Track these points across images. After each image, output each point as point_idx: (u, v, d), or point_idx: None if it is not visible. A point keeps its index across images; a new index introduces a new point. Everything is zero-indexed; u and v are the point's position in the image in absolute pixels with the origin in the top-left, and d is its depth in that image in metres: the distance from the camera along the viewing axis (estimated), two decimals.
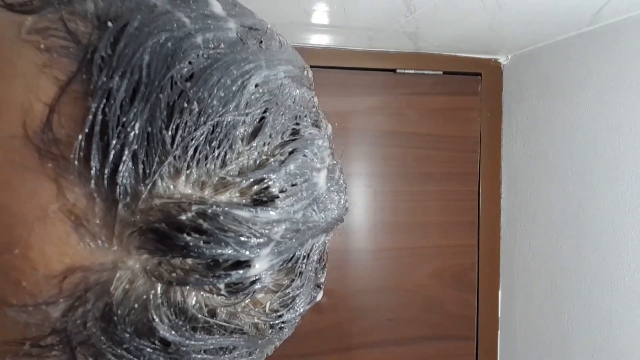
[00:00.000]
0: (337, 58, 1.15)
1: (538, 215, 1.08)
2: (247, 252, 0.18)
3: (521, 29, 0.97)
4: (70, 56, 0.17)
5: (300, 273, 0.22)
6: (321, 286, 0.25)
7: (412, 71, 1.17)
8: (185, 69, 0.18)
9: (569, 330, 0.99)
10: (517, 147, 1.16)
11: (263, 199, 0.19)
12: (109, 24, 0.18)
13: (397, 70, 1.17)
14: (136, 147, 0.17)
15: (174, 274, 0.18)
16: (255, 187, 0.19)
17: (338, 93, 1.16)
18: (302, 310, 0.23)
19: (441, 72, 1.19)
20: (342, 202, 0.24)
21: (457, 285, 1.20)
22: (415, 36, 1.03)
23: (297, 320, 0.24)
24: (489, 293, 1.21)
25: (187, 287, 0.18)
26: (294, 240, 0.20)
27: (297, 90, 0.22)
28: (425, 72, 1.18)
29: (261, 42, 0.21)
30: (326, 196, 0.22)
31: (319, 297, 0.25)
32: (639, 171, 0.84)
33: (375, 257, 1.17)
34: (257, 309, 0.21)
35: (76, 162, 0.16)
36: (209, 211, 0.17)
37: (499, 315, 1.21)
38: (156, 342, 0.18)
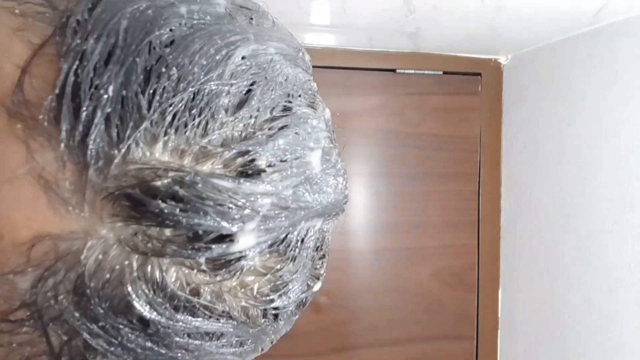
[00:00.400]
0: (337, 58, 1.15)
1: (538, 215, 1.08)
2: (229, 225, 0.17)
3: (521, 29, 0.97)
4: (46, 21, 0.17)
5: (294, 258, 0.21)
6: (320, 277, 0.24)
7: (412, 71, 1.17)
8: (165, 36, 0.17)
9: (569, 330, 0.99)
10: (517, 147, 1.16)
11: (248, 172, 0.18)
12: None
13: (397, 70, 1.17)
14: (109, 110, 0.16)
15: (149, 245, 0.17)
16: (240, 159, 0.18)
17: (338, 93, 1.16)
18: (295, 297, 0.22)
19: (441, 72, 1.19)
20: (340, 186, 0.23)
21: (457, 285, 1.20)
22: (415, 36, 1.03)
23: (293, 311, 0.23)
24: (489, 293, 1.21)
25: (165, 261, 0.17)
26: (283, 218, 0.19)
27: (291, 70, 0.21)
28: (425, 72, 1.18)
29: (252, 18, 0.21)
30: (321, 178, 0.21)
31: (317, 287, 0.23)
32: (639, 171, 0.84)
33: (375, 257, 1.17)
34: (245, 292, 0.20)
35: (45, 123, 0.16)
36: (187, 178, 0.16)
37: (499, 315, 1.21)
38: (134, 320, 0.17)
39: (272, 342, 0.23)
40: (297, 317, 0.24)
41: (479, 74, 1.21)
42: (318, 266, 0.23)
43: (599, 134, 0.92)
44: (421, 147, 1.19)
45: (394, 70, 1.17)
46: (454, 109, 1.21)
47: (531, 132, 1.11)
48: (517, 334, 1.15)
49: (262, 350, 0.22)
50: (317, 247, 0.23)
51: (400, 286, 1.18)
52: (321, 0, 0.85)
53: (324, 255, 0.24)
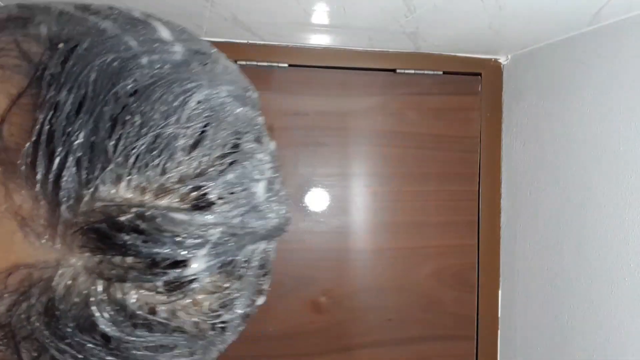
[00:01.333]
0: (337, 58, 1.15)
1: (538, 215, 1.08)
2: (184, 252, 0.20)
3: (521, 29, 0.97)
4: (22, 73, 0.19)
5: (240, 277, 0.23)
6: (263, 292, 0.26)
7: (412, 71, 1.17)
8: (130, 86, 0.20)
9: (569, 330, 0.99)
10: (517, 147, 1.16)
11: (201, 204, 0.20)
12: (60, 45, 0.19)
13: (397, 70, 1.17)
14: (80, 154, 0.18)
15: (113, 271, 0.19)
16: (194, 193, 0.20)
17: (338, 93, 1.16)
18: (241, 312, 0.24)
19: (441, 72, 1.19)
20: (282, 212, 0.25)
21: (457, 285, 1.20)
22: (415, 36, 1.04)
23: (239, 323, 0.25)
24: (489, 293, 1.21)
25: (127, 284, 0.19)
26: (231, 243, 0.22)
27: (240, 109, 0.23)
28: (425, 72, 1.18)
29: (206, 64, 0.23)
30: (266, 205, 0.24)
31: (260, 301, 0.26)
32: (639, 171, 0.84)
33: (375, 257, 1.17)
34: (196, 309, 0.22)
35: (23, 168, 0.18)
36: (147, 213, 0.19)
37: (499, 315, 1.21)
38: (97, 337, 0.19)
39: (219, 352, 0.25)
40: (242, 328, 0.26)
41: (479, 74, 1.21)
42: (262, 282, 0.26)
43: (599, 133, 0.93)
44: (421, 147, 1.19)
45: (394, 70, 1.17)
46: (454, 109, 1.21)
47: (531, 131, 1.11)
48: (517, 334, 1.15)
49: (212, 359, 0.25)
50: (261, 266, 0.25)
51: (400, 286, 1.18)
52: (321, 0, 0.85)
53: (267, 273, 0.26)
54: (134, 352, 0.20)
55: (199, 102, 0.21)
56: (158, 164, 0.20)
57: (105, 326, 0.19)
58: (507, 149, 1.20)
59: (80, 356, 0.19)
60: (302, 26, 0.99)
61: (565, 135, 1.01)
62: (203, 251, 0.20)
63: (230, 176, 0.21)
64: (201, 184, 0.20)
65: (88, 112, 0.18)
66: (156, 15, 0.25)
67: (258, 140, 0.25)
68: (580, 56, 0.97)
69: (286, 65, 1.13)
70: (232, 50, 1.10)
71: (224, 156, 0.22)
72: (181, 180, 0.20)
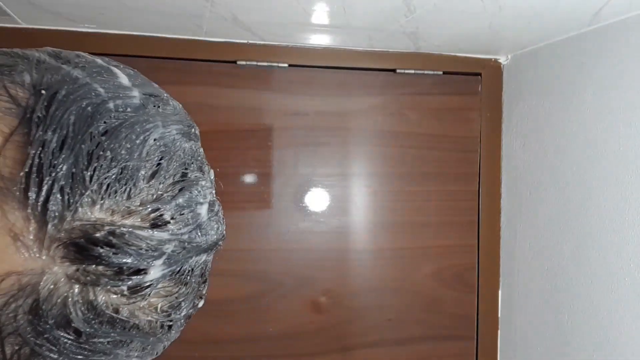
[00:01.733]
0: (337, 58, 1.15)
1: (538, 215, 1.08)
2: (145, 262, 0.24)
3: (521, 29, 0.97)
4: (13, 115, 0.23)
5: (186, 283, 0.28)
6: (203, 297, 0.31)
7: (412, 71, 1.17)
8: (101, 127, 0.24)
9: (569, 330, 0.99)
10: (517, 147, 1.16)
11: (158, 223, 0.25)
12: (43, 92, 0.24)
13: (397, 70, 1.17)
14: (63, 183, 0.22)
15: (88, 278, 0.23)
16: (153, 214, 0.25)
17: (338, 93, 1.16)
18: (186, 312, 0.29)
19: (441, 72, 1.19)
20: (220, 230, 0.31)
21: (457, 285, 1.20)
22: (415, 36, 1.03)
23: (182, 323, 0.30)
24: (489, 293, 1.21)
25: (98, 288, 0.24)
26: (181, 255, 0.26)
27: (187, 144, 0.29)
28: (425, 72, 1.18)
29: (158, 106, 0.28)
30: (207, 224, 0.29)
31: (201, 304, 0.31)
32: (639, 171, 0.84)
33: (375, 257, 1.17)
34: (150, 309, 0.26)
35: (17, 193, 0.22)
36: (117, 230, 0.23)
37: (499, 315, 1.21)
38: (70, 332, 0.23)
39: (164, 348, 0.30)
40: (183, 327, 0.31)
41: (479, 74, 1.21)
42: (202, 288, 0.31)
43: (599, 133, 0.92)
44: (421, 147, 1.19)
45: (394, 70, 1.17)
46: (454, 109, 1.21)
47: (531, 131, 1.11)
48: (517, 334, 1.15)
49: (157, 354, 0.30)
50: (202, 274, 0.30)
51: (400, 286, 1.18)
52: (321, 0, 0.85)
53: (205, 280, 0.31)
54: (99, 345, 0.24)
55: (155, 139, 0.26)
56: (125, 191, 0.24)
57: (78, 322, 0.23)
58: (507, 149, 1.20)
59: (54, 349, 0.23)
60: (302, 26, 0.99)
61: (565, 135, 1.01)
62: (160, 261, 0.25)
63: (180, 200, 0.26)
64: (158, 206, 0.25)
65: (69, 148, 0.23)
66: (113, 62, 0.29)
67: (200, 169, 0.29)
68: (580, 56, 0.97)
69: (286, 65, 1.13)
70: (232, 50, 1.10)
71: (175, 184, 0.27)
72: (142, 204, 0.25)
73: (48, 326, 0.23)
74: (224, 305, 1.10)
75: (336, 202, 1.16)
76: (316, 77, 1.15)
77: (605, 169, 0.91)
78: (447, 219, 1.20)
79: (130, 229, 0.24)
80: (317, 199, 1.15)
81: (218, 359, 1.10)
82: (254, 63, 1.11)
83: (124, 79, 0.28)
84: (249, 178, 1.13)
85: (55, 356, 0.23)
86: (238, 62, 1.10)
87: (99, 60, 0.28)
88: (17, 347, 0.22)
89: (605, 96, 0.91)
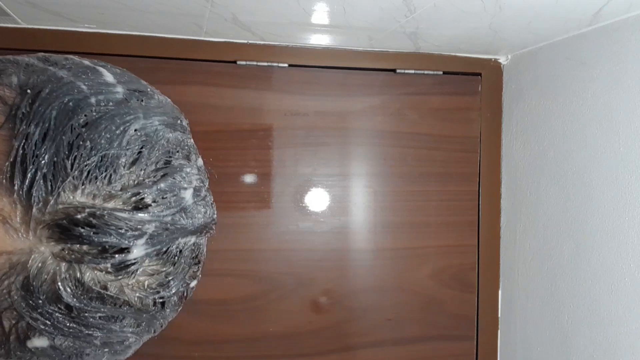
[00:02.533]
0: (337, 58, 1.15)
1: (538, 215, 1.08)
2: (126, 241, 0.26)
3: (521, 29, 0.97)
4: (0, 112, 0.25)
5: (174, 263, 0.30)
6: (196, 277, 0.33)
7: (412, 71, 1.17)
8: (82, 119, 0.26)
9: (569, 330, 0.99)
10: (517, 147, 1.16)
11: (139, 206, 0.27)
12: (28, 91, 0.26)
13: (397, 70, 1.17)
14: (45, 171, 0.25)
15: (72, 256, 0.25)
16: (133, 198, 0.27)
17: (338, 93, 1.16)
18: (176, 290, 0.30)
19: (441, 72, 1.19)
20: (209, 213, 0.32)
21: (457, 285, 1.20)
22: (415, 36, 1.03)
23: (176, 302, 0.31)
24: (489, 293, 1.21)
25: (84, 266, 0.26)
26: (164, 236, 0.28)
27: (171, 134, 0.30)
28: (425, 72, 1.18)
29: (142, 100, 0.30)
30: (193, 207, 0.30)
31: (193, 284, 0.32)
32: (639, 171, 0.84)
33: (375, 257, 1.17)
34: (139, 286, 0.28)
35: (4, 181, 0.24)
36: (97, 212, 0.25)
37: (499, 315, 1.21)
38: (62, 307, 0.25)
39: (161, 326, 0.32)
40: (180, 307, 0.32)
41: (479, 74, 1.21)
42: (195, 269, 0.32)
43: (599, 133, 0.93)
44: (421, 147, 1.19)
45: (394, 70, 1.17)
46: (454, 109, 1.21)
47: (531, 131, 1.11)
48: (517, 334, 1.15)
49: (154, 332, 0.31)
50: (194, 257, 0.31)
51: (400, 286, 1.18)
52: (321, 0, 0.85)
53: (199, 262, 0.32)
54: (91, 320, 0.26)
55: (136, 130, 0.28)
56: (105, 177, 0.26)
57: (67, 298, 0.25)
58: (507, 149, 1.20)
59: (48, 322, 0.25)
60: (302, 26, 0.99)
61: (565, 135, 1.01)
62: (141, 241, 0.27)
63: (162, 185, 0.28)
64: (139, 191, 0.27)
65: (51, 139, 0.25)
66: (101, 63, 0.31)
67: (187, 157, 0.31)
68: (580, 56, 0.97)
69: (286, 65, 1.13)
70: (232, 50, 1.10)
71: (157, 170, 0.28)
72: (123, 188, 0.27)
73: (40, 301, 0.25)
74: (224, 305, 1.10)
75: (336, 202, 1.16)
76: (316, 77, 1.15)
77: (605, 169, 0.91)
78: (447, 219, 1.20)
79: (110, 211, 0.26)
80: (317, 199, 1.15)
81: (218, 359, 1.10)
82: (254, 63, 1.11)
83: (109, 77, 0.30)
84: (249, 178, 1.13)
85: (50, 329, 0.26)
86: (238, 62, 1.10)
87: (86, 62, 0.31)
88: (14, 322, 0.25)
89: (605, 96, 0.91)
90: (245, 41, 1.10)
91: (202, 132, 1.08)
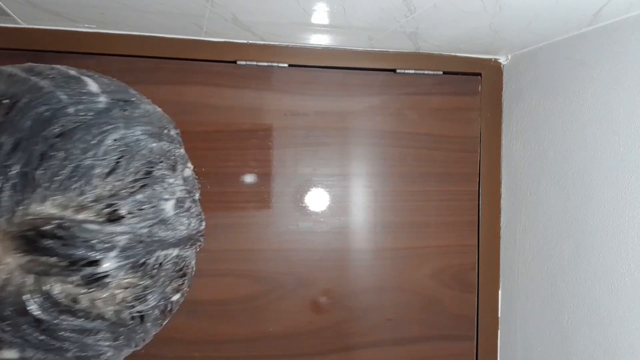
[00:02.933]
0: (337, 58, 1.15)
1: (538, 215, 1.08)
2: (95, 254, 0.25)
3: (521, 29, 0.97)
4: None
5: (152, 276, 0.28)
6: (180, 291, 0.31)
7: (412, 71, 1.17)
8: (57, 130, 0.26)
9: (569, 330, 0.99)
10: (517, 147, 1.16)
11: (112, 218, 0.26)
12: (5, 101, 0.26)
13: (397, 70, 1.17)
14: (15, 181, 0.24)
15: (39, 268, 0.25)
16: (107, 209, 0.26)
17: (338, 93, 1.16)
18: (155, 304, 0.29)
19: (441, 72, 1.19)
20: (193, 225, 0.31)
21: (457, 285, 1.20)
22: (415, 36, 1.03)
23: (159, 316, 0.30)
24: (489, 293, 1.21)
25: (52, 278, 0.25)
26: (139, 248, 0.27)
27: (155, 144, 0.29)
28: (425, 72, 1.18)
29: (125, 109, 0.29)
30: (175, 219, 0.29)
31: (175, 298, 0.31)
32: (639, 171, 0.84)
33: (375, 257, 1.17)
34: (113, 299, 0.27)
35: None
36: (65, 224, 0.25)
37: (499, 315, 1.21)
38: (31, 319, 0.25)
39: (143, 340, 0.30)
40: (165, 321, 0.31)
41: (479, 74, 1.21)
42: (179, 283, 0.31)
43: (599, 133, 0.93)
44: (421, 147, 1.19)
45: (394, 70, 1.17)
46: (454, 109, 1.21)
47: (531, 131, 1.11)
48: (517, 334, 1.15)
49: (136, 345, 0.30)
50: (178, 269, 0.30)
51: (400, 286, 1.18)
52: (321, 0, 0.85)
53: (184, 275, 0.31)
54: (62, 333, 0.26)
55: (115, 139, 0.27)
56: (77, 187, 0.25)
57: (34, 310, 0.25)
58: (507, 149, 1.20)
59: (18, 334, 0.25)
60: (302, 26, 0.99)
61: (565, 135, 1.01)
62: (113, 253, 0.26)
63: (139, 196, 0.27)
64: (113, 202, 0.26)
65: (22, 150, 0.25)
66: (88, 72, 0.31)
67: (172, 168, 0.30)
68: (580, 56, 0.97)
69: (286, 65, 1.13)
70: (232, 50, 1.10)
71: (136, 181, 0.27)
72: (97, 200, 0.26)
73: (8, 313, 0.24)
74: (224, 305, 1.10)
75: (336, 202, 1.16)
76: (316, 77, 1.15)
77: (605, 169, 0.91)
78: (447, 219, 1.20)
79: (79, 223, 0.25)
80: (317, 199, 1.15)
81: (218, 359, 1.10)
82: (254, 63, 1.11)
83: (93, 87, 0.29)
84: (249, 178, 1.13)
85: (20, 342, 0.25)
86: (238, 62, 1.10)
87: (71, 72, 0.30)
88: None
89: (605, 96, 0.91)
90: (245, 41, 1.10)
91: (202, 132, 1.08)
